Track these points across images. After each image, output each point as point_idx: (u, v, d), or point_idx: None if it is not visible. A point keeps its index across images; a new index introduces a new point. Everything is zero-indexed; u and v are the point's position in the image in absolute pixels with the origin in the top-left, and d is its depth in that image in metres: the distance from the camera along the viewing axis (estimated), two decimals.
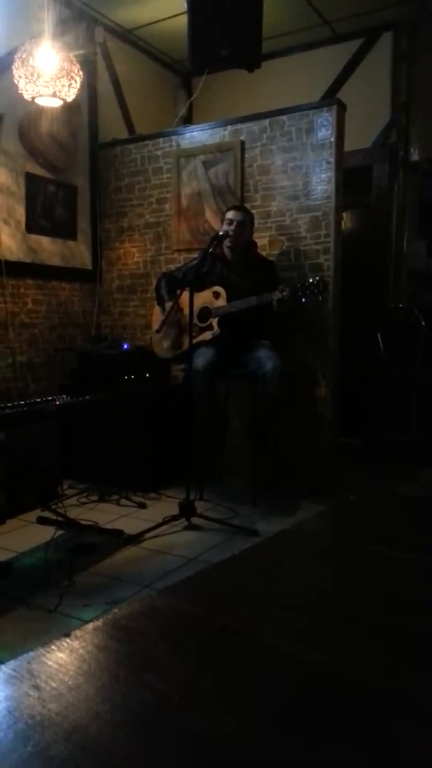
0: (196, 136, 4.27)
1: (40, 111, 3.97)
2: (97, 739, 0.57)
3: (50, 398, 2.98)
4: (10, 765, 0.53)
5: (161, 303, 3.80)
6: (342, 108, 3.77)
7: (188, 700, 0.64)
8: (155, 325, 3.83)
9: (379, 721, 0.61)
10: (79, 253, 4.60)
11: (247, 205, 3.89)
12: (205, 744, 0.57)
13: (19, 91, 3.36)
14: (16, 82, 3.32)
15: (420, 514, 1.40)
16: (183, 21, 3.69)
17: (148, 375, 4.09)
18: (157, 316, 3.87)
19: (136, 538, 3.05)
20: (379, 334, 4.70)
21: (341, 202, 3.82)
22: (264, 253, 3.89)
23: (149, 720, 0.60)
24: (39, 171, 4.21)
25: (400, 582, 0.96)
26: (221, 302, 3.57)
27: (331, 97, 4.46)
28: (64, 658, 0.70)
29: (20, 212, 4.10)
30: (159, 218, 4.49)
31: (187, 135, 4.32)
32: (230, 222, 3.57)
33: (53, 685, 0.64)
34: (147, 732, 0.59)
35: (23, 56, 3.28)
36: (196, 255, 3.85)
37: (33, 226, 4.18)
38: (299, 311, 3.67)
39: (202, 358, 3.45)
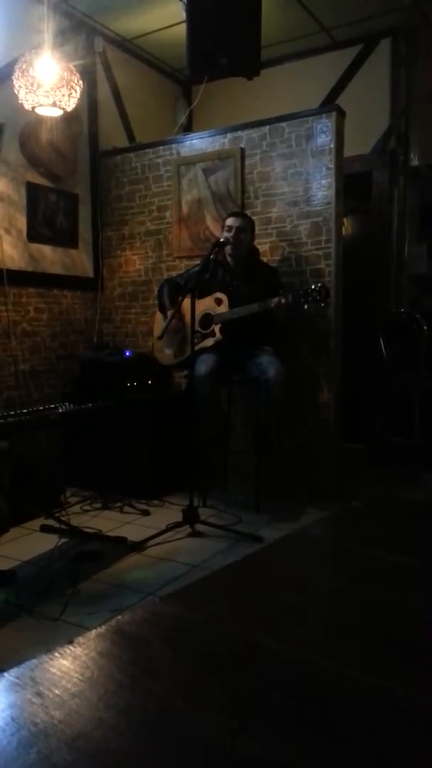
0: (196, 143, 4.29)
1: (40, 120, 3.99)
2: (101, 746, 0.57)
3: (53, 406, 2.98)
4: None
5: (163, 310, 3.81)
6: (341, 114, 3.78)
7: (191, 706, 0.64)
8: (157, 332, 3.84)
9: (382, 727, 0.60)
10: (80, 261, 4.61)
11: (248, 212, 3.89)
12: (209, 750, 0.57)
13: (20, 101, 3.38)
14: (16, 92, 3.34)
15: (423, 519, 1.39)
16: (182, 30, 3.71)
17: (150, 382, 4.09)
18: (158, 323, 3.88)
19: (140, 546, 3.05)
20: (381, 339, 4.70)
21: (341, 208, 3.83)
22: (265, 259, 3.90)
23: (153, 726, 0.60)
24: (40, 180, 4.22)
25: (404, 587, 0.96)
26: (223, 309, 3.58)
27: (330, 104, 4.47)
28: (67, 665, 0.70)
29: (21, 221, 4.11)
30: (160, 226, 4.50)
31: (187, 143, 4.34)
32: (230, 229, 3.58)
33: (56, 692, 0.64)
34: (150, 738, 0.58)
35: (23, 66, 3.30)
36: (197, 262, 3.86)
37: (34, 234, 4.20)
38: (301, 317, 3.67)
39: (204, 365, 3.45)
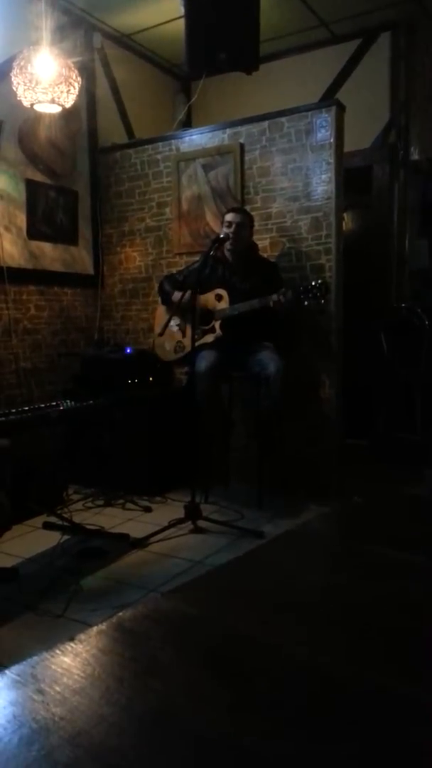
0: (196, 139, 4.28)
1: (39, 117, 3.98)
2: (102, 743, 0.57)
3: (54, 403, 2.98)
4: None
5: (168, 300, 3.78)
6: (341, 109, 3.77)
7: (193, 703, 0.64)
8: (158, 329, 3.84)
9: (381, 723, 0.60)
10: (80, 258, 4.61)
11: (248, 208, 3.89)
12: (209, 746, 0.57)
13: (18, 98, 3.36)
14: (14, 89, 3.33)
15: (425, 514, 1.39)
16: (180, 25, 3.70)
17: (151, 378, 4.10)
18: (159, 319, 3.88)
19: (142, 542, 3.05)
20: (382, 334, 4.70)
21: (342, 203, 3.82)
22: (265, 255, 3.90)
23: (154, 723, 0.60)
24: (39, 177, 4.22)
25: (404, 583, 0.96)
26: (223, 305, 3.57)
27: (329, 98, 4.46)
28: (68, 662, 0.70)
29: (21, 219, 4.11)
30: (160, 222, 4.49)
31: (187, 138, 4.33)
32: (229, 224, 3.57)
33: (58, 689, 0.64)
34: (151, 735, 0.59)
35: (22, 63, 3.29)
36: (197, 258, 3.85)
37: (34, 232, 4.19)
38: (302, 312, 3.67)
39: (204, 361, 3.45)
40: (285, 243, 3.92)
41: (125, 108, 4.99)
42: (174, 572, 2.72)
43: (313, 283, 3.37)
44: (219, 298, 3.60)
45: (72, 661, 0.70)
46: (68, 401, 3.03)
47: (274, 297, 3.37)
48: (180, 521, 3.21)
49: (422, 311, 4.61)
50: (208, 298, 3.62)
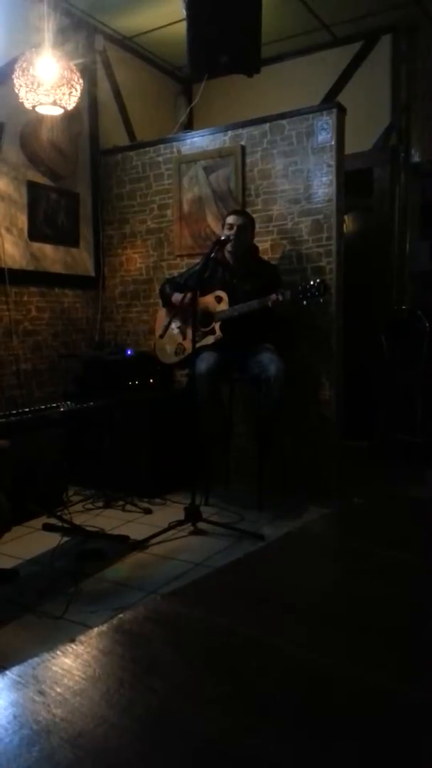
0: (197, 141, 4.29)
1: (40, 119, 3.99)
2: (103, 744, 0.57)
3: (55, 405, 2.98)
4: None
5: (168, 301, 3.79)
6: (342, 111, 3.78)
7: (193, 704, 0.64)
8: (158, 331, 3.85)
9: (381, 723, 0.60)
10: (81, 260, 4.61)
11: (249, 210, 3.89)
12: (210, 747, 0.57)
13: (20, 100, 3.37)
14: (16, 91, 3.34)
15: (426, 516, 1.39)
16: (182, 28, 3.70)
17: (151, 380, 4.10)
18: (160, 322, 3.88)
19: (142, 544, 3.05)
20: (383, 336, 4.70)
21: (342, 205, 3.83)
22: (266, 257, 3.90)
23: (154, 724, 0.60)
24: (41, 179, 4.22)
25: (405, 584, 0.96)
26: (223, 306, 3.58)
27: (330, 101, 4.47)
28: (69, 664, 0.70)
29: (22, 220, 4.11)
30: (161, 224, 4.50)
31: (188, 141, 4.33)
32: (231, 227, 3.58)
33: (58, 690, 0.64)
34: (152, 736, 0.59)
35: (24, 65, 3.30)
36: (198, 260, 3.86)
37: (35, 233, 4.20)
38: (302, 314, 3.67)
39: (204, 363, 3.45)
40: (286, 245, 3.93)
41: (127, 110, 5.00)
42: (174, 574, 2.72)
43: (312, 283, 3.37)
44: (219, 299, 3.60)
45: (73, 663, 0.70)
46: (69, 403, 3.03)
47: (273, 296, 3.37)
48: (180, 523, 3.21)
49: (423, 313, 4.61)
50: (208, 300, 3.63)
